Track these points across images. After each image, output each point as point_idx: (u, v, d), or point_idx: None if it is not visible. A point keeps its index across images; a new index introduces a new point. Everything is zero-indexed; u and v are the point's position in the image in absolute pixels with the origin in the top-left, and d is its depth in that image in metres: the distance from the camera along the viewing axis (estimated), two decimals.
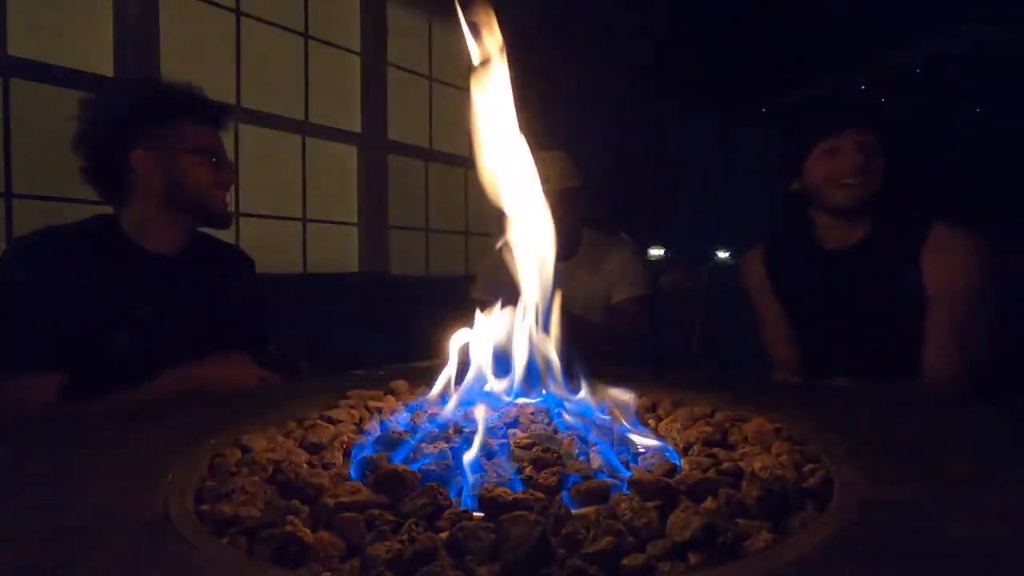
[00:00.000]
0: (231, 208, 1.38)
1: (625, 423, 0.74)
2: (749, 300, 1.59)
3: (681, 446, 0.73)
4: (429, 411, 0.79)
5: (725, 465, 0.61)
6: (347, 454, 0.70)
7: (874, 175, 1.31)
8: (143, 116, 1.22)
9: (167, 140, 1.22)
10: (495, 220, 0.85)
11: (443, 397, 0.81)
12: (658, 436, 0.76)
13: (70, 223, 1.24)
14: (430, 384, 0.86)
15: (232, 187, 1.40)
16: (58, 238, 1.18)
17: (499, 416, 0.75)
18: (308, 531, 0.48)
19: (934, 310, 1.27)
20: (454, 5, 0.82)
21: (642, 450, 0.69)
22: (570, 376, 0.81)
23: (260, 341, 1.38)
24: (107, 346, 1.13)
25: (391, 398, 0.93)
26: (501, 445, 0.66)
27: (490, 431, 0.71)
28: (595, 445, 0.68)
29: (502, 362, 0.81)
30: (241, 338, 1.31)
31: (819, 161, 1.35)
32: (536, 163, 0.84)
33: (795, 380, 1.42)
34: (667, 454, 0.68)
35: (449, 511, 0.52)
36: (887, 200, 1.34)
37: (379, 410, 0.86)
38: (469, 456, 0.62)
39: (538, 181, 0.83)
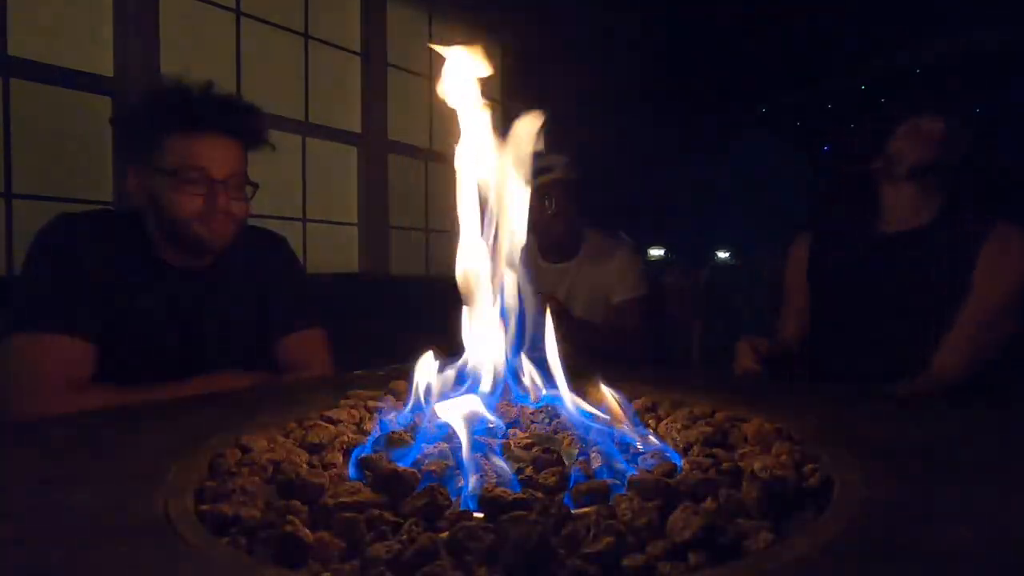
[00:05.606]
0: (228, 236, 1.16)
1: (625, 423, 0.74)
2: (781, 280, 1.60)
3: (681, 446, 0.73)
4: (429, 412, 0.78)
5: (725, 465, 0.61)
6: (347, 454, 0.70)
7: (957, 148, 1.31)
8: (136, 131, 1.14)
9: (152, 159, 1.10)
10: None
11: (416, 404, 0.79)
12: (658, 436, 0.76)
13: (104, 211, 1.21)
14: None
15: (233, 217, 1.15)
16: (96, 220, 1.14)
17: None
18: (308, 531, 0.48)
19: (971, 305, 1.26)
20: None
21: (642, 450, 0.69)
22: (564, 377, 0.81)
23: (305, 315, 1.32)
24: (132, 334, 1.10)
25: (391, 398, 0.93)
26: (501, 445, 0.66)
27: (490, 431, 0.71)
28: (595, 445, 0.67)
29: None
30: (293, 322, 1.29)
31: (905, 136, 1.35)
32: (537, 158, 0.84)
33: (797, 379, 1.42)
34: (667, 454, 0.68)
35: (449, 511, 0.52)
36: (961, 184, 1.34)
37: (379, 410, 0.86)
38: (466, 457, 0.62)
39: (540, 172, 0.82)
